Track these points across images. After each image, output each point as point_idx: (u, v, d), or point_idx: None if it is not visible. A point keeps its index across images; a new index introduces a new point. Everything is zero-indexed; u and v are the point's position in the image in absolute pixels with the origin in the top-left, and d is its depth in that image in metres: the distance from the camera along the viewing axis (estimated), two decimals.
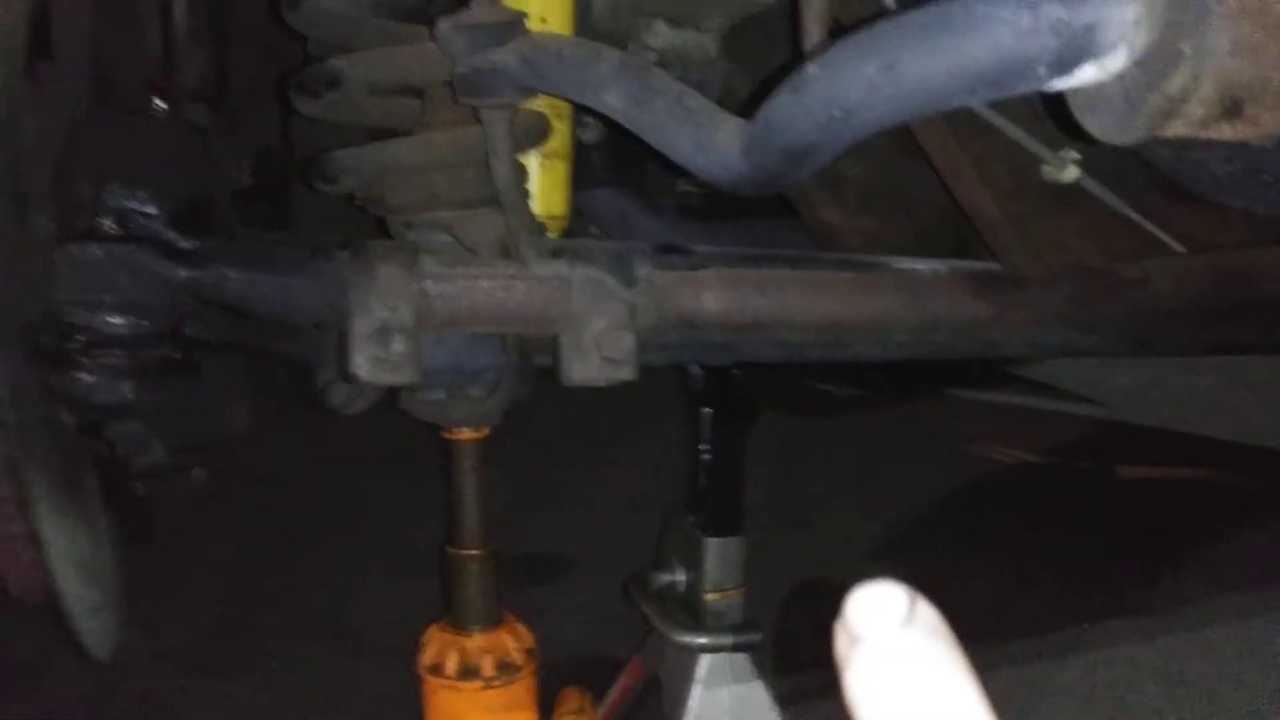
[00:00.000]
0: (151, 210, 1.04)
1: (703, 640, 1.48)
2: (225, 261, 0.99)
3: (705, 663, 1.50)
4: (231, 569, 2.72)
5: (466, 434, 1.39)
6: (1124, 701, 2.04)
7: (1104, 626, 2.27)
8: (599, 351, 1.05)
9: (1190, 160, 1.15)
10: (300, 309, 1.02)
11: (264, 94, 1.63)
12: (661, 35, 1.25)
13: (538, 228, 1.18)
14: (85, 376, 0.96)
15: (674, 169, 1.10)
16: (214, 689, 2.20)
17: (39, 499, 0.99)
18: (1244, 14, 0.51)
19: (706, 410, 1.49)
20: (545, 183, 1.29)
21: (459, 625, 1.45)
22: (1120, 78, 0.55)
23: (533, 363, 1.26)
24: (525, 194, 1.14)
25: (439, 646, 1.45)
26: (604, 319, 1.05)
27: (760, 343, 1.29)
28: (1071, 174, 1.28)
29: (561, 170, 1.33)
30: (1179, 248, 1.34)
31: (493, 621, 1.45)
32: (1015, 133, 1.24)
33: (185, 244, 1.01)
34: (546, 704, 1.53)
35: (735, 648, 1.48)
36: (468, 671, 1.42)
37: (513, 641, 1.46)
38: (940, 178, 1.40)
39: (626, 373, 1.07)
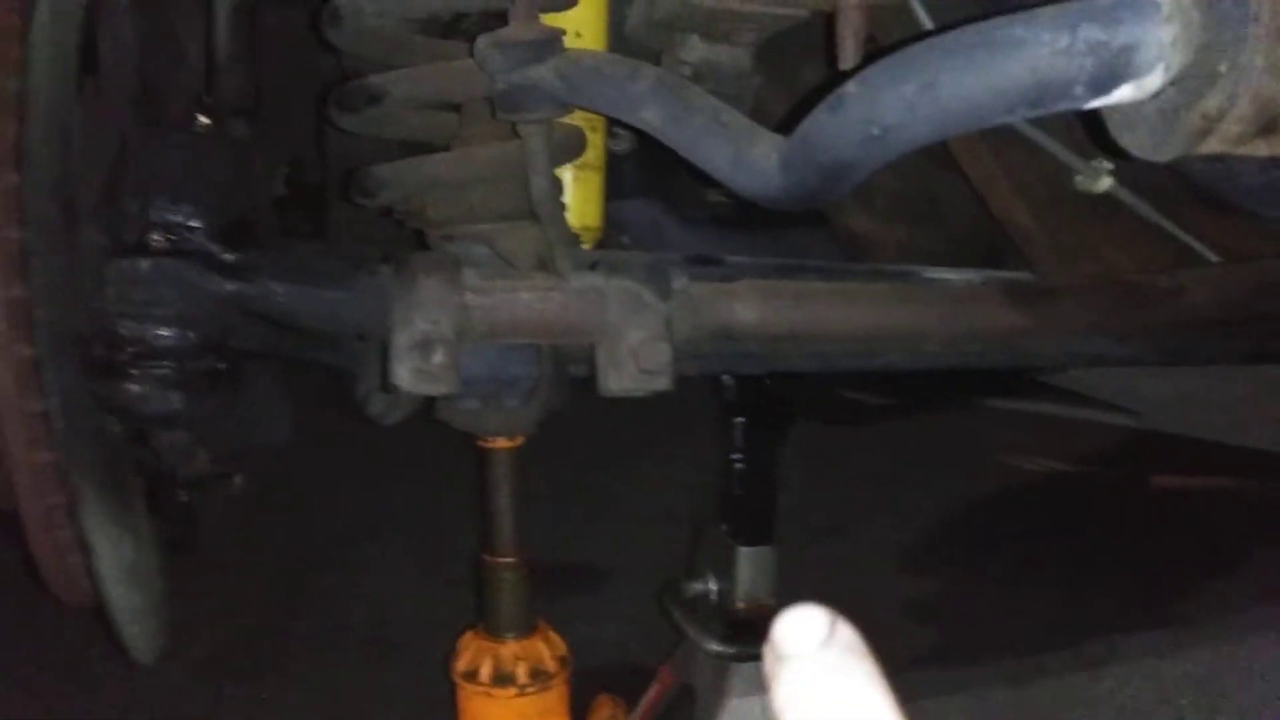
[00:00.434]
0: (197, 224, 1.06)
1: (735, 650, 1.48)
2: (270, 275, 1.02)
3: (738, 672, 1.50)
4: (268, 575, 2.75)
5: (502, 443, 1.40)
6: (1157, 714, 2.03)
7: (1138, 638, 2.25)
8: (635, 363, 1.06)
9: (1224, 171, 1.15)
10: (343, 321, 1.04)
11: (296, 107, 1.66)
12: (695, 49, 1.26)
13: (574, 240, 1.20)
14: (134, 387, 0.98)
15: (708, 181, 1.11)
16: (250, 694, 2.23)
17: (87, 506, 1.01)
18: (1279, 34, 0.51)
19: (739, 419, 1.50)
20: (579, 195, 1.31)
21: (493, 632, 1.46)
22: (1157, 97, 0.55)
23: (568, 373, 1.27)
24: (562, 207, 1.16)
25: (473, 653, 1.46)
26: (640, 331, 1.07)
27: (794, 353, 1.30)
28: (1105, 184, 1.28)
29: (595, 182, 1.35)
30: (1213, 257, 1.34)
31: (527, 629, 1.47)
32: (1048, 143, 1.24)
33: (230, 257, 1.03)
34: (579, 712, 1.54)
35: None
36: (502, 678, 1.44)
37: (546, 649, 1.47)
38: (973, 187, 1.40)
39: (662, 383, 1.08)
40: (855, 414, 3.68)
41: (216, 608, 2.45)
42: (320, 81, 1.52)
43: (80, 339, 0.99)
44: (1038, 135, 1.22)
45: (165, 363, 0.98)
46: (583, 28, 1.23)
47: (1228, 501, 3.13)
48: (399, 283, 1.03)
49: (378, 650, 2.40)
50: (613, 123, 1.41)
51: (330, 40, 1.15)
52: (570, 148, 1.19)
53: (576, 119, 1.20)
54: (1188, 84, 0.53)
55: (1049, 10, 0.55)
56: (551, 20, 1.06)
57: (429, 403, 1.29)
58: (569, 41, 1.06)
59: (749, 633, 1.49)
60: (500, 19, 1.03)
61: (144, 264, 0.98)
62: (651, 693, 1.75)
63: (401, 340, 1.01)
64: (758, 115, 0.87)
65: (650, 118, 0.88)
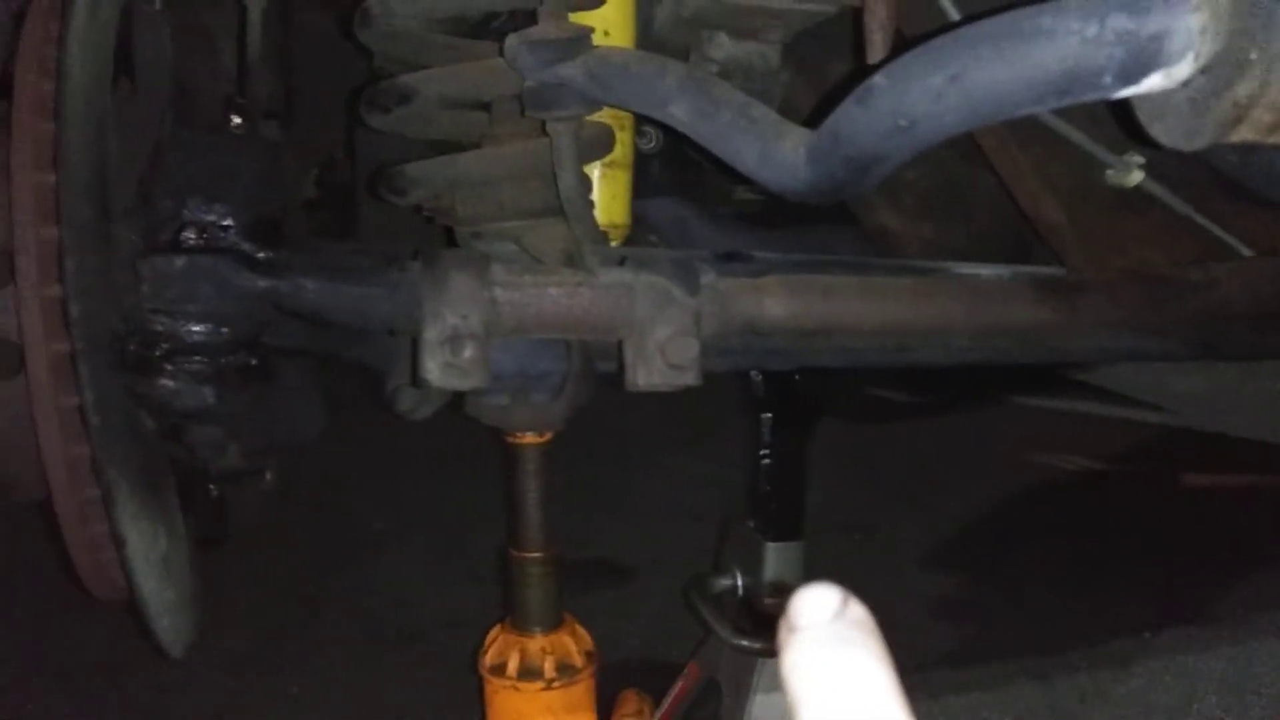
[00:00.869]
0: (229, 223, 1.07)
1: (761, 645, 1.48)
2: (302, 272, 1.03)
3: (764, 668, 1.51)
4: (295, 572, 2.78)
5: (529, 438, 1.41)
6: (1186, 712, 2.02)
7: (1167, 635, 2.24)
8: (663, 358, 1.07)
9: (1255, 163, 1.14)
10: (374, 317, 1.05)
11: (327, 109, 1.68)
12: (723, 47, 1.27)
13: (601, 237, 1.20)
14: (168, 382, 0.99)
15: (736, 177, 1.12)
16: (277, 689, 2.25)
17: (120, 500, 1.02)
18: None
19: (767, 415, 1.50)
20: (607, 192, 1.32)
21: (521, 627, 1.47)
22: (1187, 85, 0.55)
23: (595, 368, 1.28)
24: (590, 204, 1.16)
25: (501, 647, 1.47)
26: (668, 326, 1.07)
27: (822, 348, 1.30)
28: (1135, 177, 1.27)
29: (623, 180, 1.35)
30: (1245, 250, 1.33)
31: (554, 623, 1.47)
32: (1078, 137, 1.24)
33: (262, 255, 1.04)
34: (605, 706, 1.55)
35: None
36: (529, 672, 1.45)
37: (573, 643, 1.48)
38: (1001, 181, 1.40)
39: (690, 378, 1.08)
40: (882, 412, 3.66)
41: (244, 603, 2.48)
42: (350, 84, 1.53)
43: (115, 335, 1.00)
44: (1068, 129, 1.21)
45: (198, 358, 0.99)
46: (611, 26, 1.23)
47: (1258, 499, 3.10)
48: (429, 278, 1.04)
49: (403, 645, 2.42)
50: (640, 121, 1.42)
51: (361, 41, 1.17)
52: (599, 145, 1.20)
53: (605, 117, 1.21)
54: (1218, 72, 0.53)
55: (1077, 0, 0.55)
56: (580, 19, 1.06)
57: (457, 398, 1.30)
58: (597, 40, 1.06)
59: (775, 628, 1.49)
60: (529, 18, 1.04)
61: (178, 261, 1.00)
62: (677, 688, 1.76)
63: (431, 335, 1.02)
64: (785, 112, 0.87)
65: (678, 114, 0.88)
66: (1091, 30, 0.54)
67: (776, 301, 1.12)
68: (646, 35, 1.34)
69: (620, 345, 1.13)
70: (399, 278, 1.05)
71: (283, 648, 2.41)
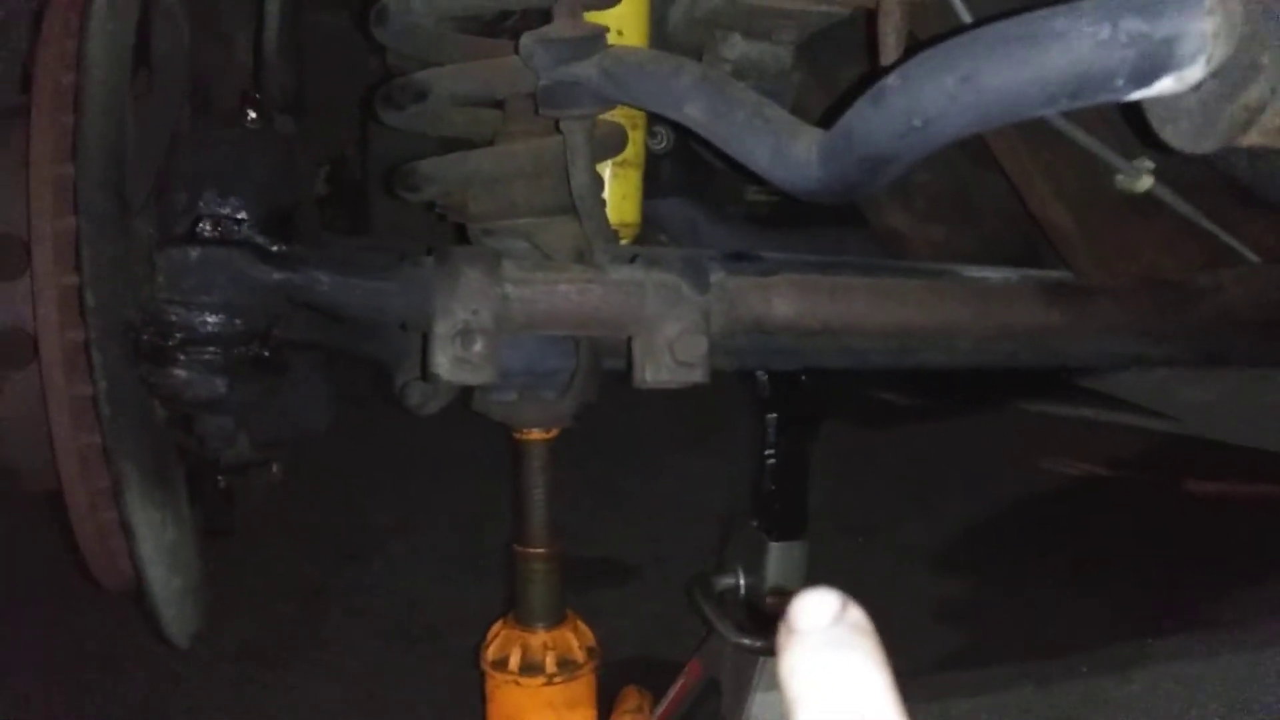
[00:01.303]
0: (244, 216, 1.08)
1: (762, 644, 1.49)
2: (316, 265, 1.03)
3: (765, 666, 1.51)
4: (299, 567, 2.79)
5: (536, 435, 1.42)
6: (1186, 718, 2.02)
7: (1168, 642, 2.24)
8: (672, 355, 1.07)
9: (1265, 169, 1.15)
10: (386, 311, 1.06)
11: (339, 106, 1.69)
12: (737, 47, 1.27)
13: (613, 235, 1.21)
14: (181, 372, 1.00)
15: (748, 177, 1.12)
16: (279, 682, 2.26)
17: (130, 489, 1.03)
18: None
19: (772, 415, 1.50)
20: (618, 191, 1.32)
21: (523, 622, 1.48)
22: (1198, 89, 0.56)
23: (602, 366, 1.29)
24: (602, 202, 1.17)
25: (502, 642, 1.48)
26: (677, 323, 1.08)
27: (829, 348, 1.31)
28: (1145, 183, 1.27)
29: (634, 179, 1.36)
30: (1253, 257, 1.33)
31: (556, 619, 1.48)
32: (1088, 141, 1.24)
33: (277, 248, 1.05)
34: (606, 703, 1.56)
35: None
36: (530, 667, 1.45)
37: (575, 639, 1.49)
38: (1011, 185, 1.40)
39: (698, 375, 1.09)
40: (886, 415, 3.67)
41: (247, 596, 2.48)
42: (362, 82, 1.54)
43: (129, 325, 1.01)
44: (1078, 134, 1.22)
45: (212, 349, 1.00)
46: (624, 25, 1.24)
47: (1262, 507, 3.10)
48: (441, 274, 1.05)
49: (407, 641, 2.43)
50: (652, 121, 1.42)
51: (377, 38, 1.17)
52: (611, 144, 1.21)
53: (617, 116, 1.22)
54: (1229, 76, 0.54)
55: (1090, 2, 0.56)
56: (594, 18, 1.07)
57: (465, 394, 1.31)
58: (610, 39, 1.07)
59: (776, 628, 1.50)
60: (543, 16, 1.05)
61: (194, 252, 1.01)
62: (678, 685, 1.76)
63: (442, 330, 1.03)
64: (797, 114, 0.88)
65: (692, 113, 0.89)
66: (1104, 33, 0.55)
67: (785, 301, 1.13)
68: (659, 35, 1.35)
69: (629, 342, 1.14)
70: (411, 273, 1.06)
71: (285, 642, 2.42)
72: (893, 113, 0.65)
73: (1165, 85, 0.55)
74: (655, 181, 1.49)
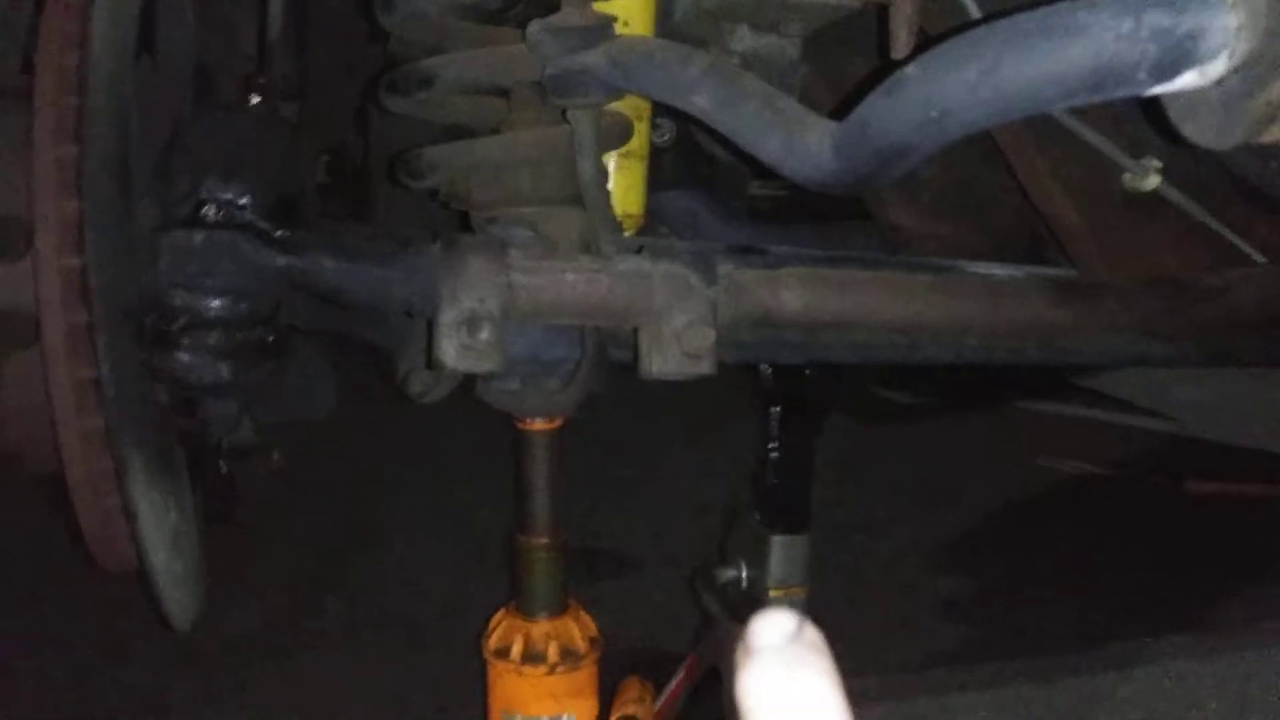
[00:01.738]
0: (246, 202, 1.08)
1: None
2: (320, 251, 1.03)
3: None
4: (300, 557, 2.78)
5: (540, 424, 1.41)
6: (1184, 717, 2.02)
7: (1168, 641, 2.24)
8: (679, 346, 1.07)
9: (1275, 169, 1.14)
10: (391, 298, 1.05)
11: (339, 93, 1.68)
12: (744, 40, 1.27)
13: (618, 226, 1.21)
14: (185, 356, 1.00)
15: (756, 168, 1.11)
16: (282, 671, 2.26)
17: (133, 473, 1.03)
18: None
19: (775, 409, 1.50)
20: (622, 182, 1.32)
21: (525, 611, 1.47)
22: (1220, 84, 0.55)
23: (608, 356, 1.28)
24: (608, 193, 1.17)
25: (505, 631, 1.47)
26: (685, 314, 1.07)
27: (835, 343, 1.31)
28: (1152, 182, 1.27)
29: (638, 171, 1.35)
30: (1260, 258, 1.33)
31: (559, 609, 1.48)
32: (1095, 139, 1.23)
33: (280, 233, 1.05)
34: (607, 694, 1.55)
35: None
36: (532, 657, 1.45)
37: (578, 629, 1.48)
38: (1018, 182, 1.40)
39: (705, 367, 1.08)
40: (887, 413, 3.67)
41: (246, 585, 2.48)
42: (363, 69, 1.54)
43: (132, 309, 1.00)
44: (1086, 131, 1.21)
45: (216, 333, 1.00)
46: (631, 16, 1.23)
47: (1264, 508, 3.10)
48: (446, 261, 1.04)
49: (409, 631, 2.43)
50: (655, 113, 1.42)
51: (381, 24, 1.17)
52: (616, 134, 1.20)
53: (623, 107, 1.21)
54: (1252, 71, 0.53)
55: None
56: (600, 8, 1.07)
57: (468, 382, 1.30)
58: (617, 30, 1.06)
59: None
60: (549, 5, 1.04)
61: (198, 236, 1.00)
62: (679, 676, 1.76)
63: (448, 317, 1.03)
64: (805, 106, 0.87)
65: (701, 103, 0.88)
66: (1126, 26, 0.54)
67: (793, 294, 1.12)
68: (666, 26, 1.34)
69: (635, 333, 1.13)
70: (416, 260, 1.05)
71: (286, 631, 2.42)
72: (910, 103, 0.64)
73: (1187, 80, 0.55)
74: (657, 174, 1.48)
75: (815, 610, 1.53)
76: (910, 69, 0.64)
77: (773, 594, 1.51)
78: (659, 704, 1.65)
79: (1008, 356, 1.42)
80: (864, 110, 0.69)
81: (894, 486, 3.14)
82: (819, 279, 1.15)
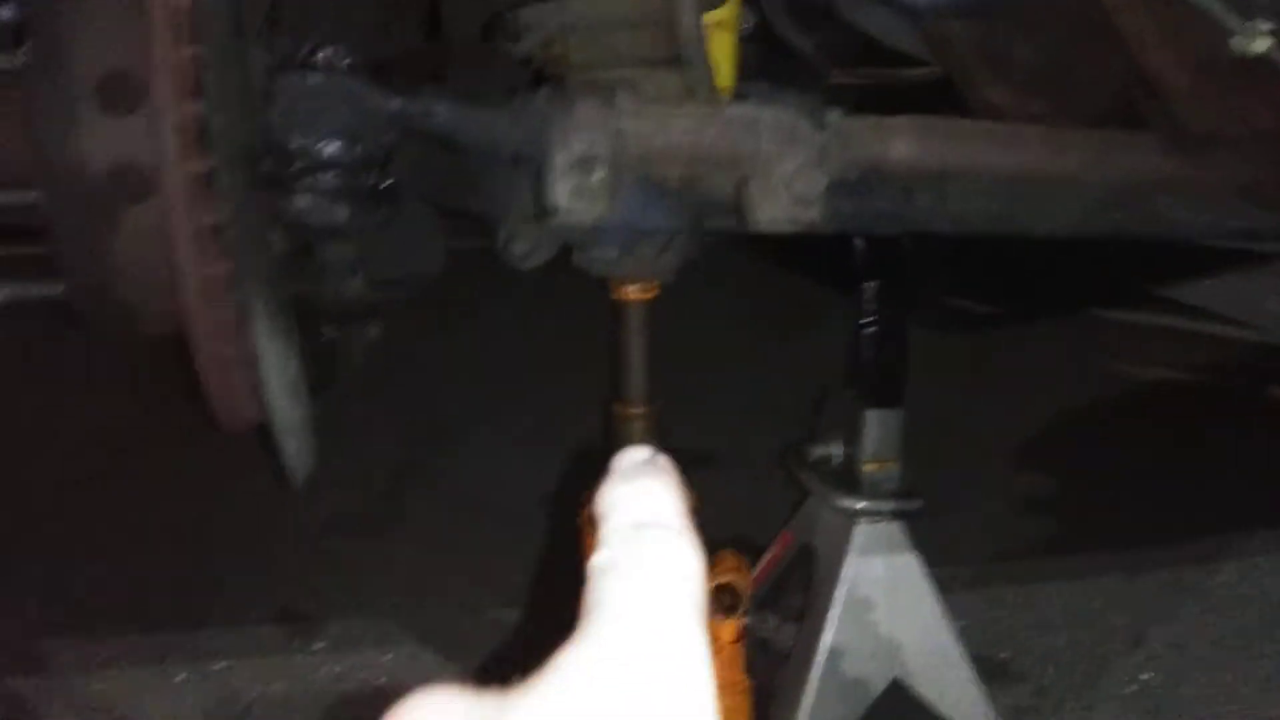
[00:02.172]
0: (349, 63, 1.08)
1: (863, 504, 1.50)
2: (433, 95, 1.03)
3: (860, 531, 1.52)
4: (384, 450, 2.84)
5: (635, 294, 1.42)
6: (1274, 606, 2.00)
7: (1256, 536, 2.22)
8: (788, 192, 1.06)
9: None
10: (502, 142, 1.05)
11: None
12: None
13: (715, 88, 1.20)
14: (303, 199, 1.01)
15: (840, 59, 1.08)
16: (370, 550, 2.32)
17: (256, 318, 1.05)
18: None
19: (870, 283, 1.49)
20: (714, 53, 1.30)
21: None
22: None
23: (704, 223, 1.28)
24: (706, 51, 1.16)
25: None
26: (794, 160, 1.06)
27: (932, 210, 1.29)
28: (1261, 45, 1.23)
29: (729, 42, 1.33)
30: None
31: None
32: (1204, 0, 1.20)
33: (392, 79, 1.05)
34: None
35: (896, 514, 1.50)
36: None
37: None
38: (1118, 51, 1.36)
39: (814, 214, 1.08)
40: (961, 322, 3.63)
41: (333, 474, 2.53)
42: None
43: (250, 153, 1.02)
44: None
45: (332, 175, 1.01)
46: None
47: None
48: (557, 105, 1.04)
49: (489, 520, 2.47)
50: None
51: None
52: None
53: None
54: None
55: None
56: None
57: (564, 252, 1.31)
58: None
59: (874, 493, 1.50)
60: None
61: (313, 78, 1.01)
62: (771, 553, 1.79)
63: (559, 160, 1.03)
64: None
65: None
66: None
67: (903, 142, 1.11)
68: None
69: (740, 188, 1.13)
70: (527, 105, 1.05)
71: (374, 515, 2.48)
72: None
73: None
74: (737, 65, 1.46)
75: (910, 481, 1.54)
76: None
77: (867, 468, 1.52)
78: (755, 573, 1.67)
79: (1108, 229, 1.39)
80: None
81: (971, 389, 3.11)
82: (930, 127, 1.13)
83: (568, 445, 2.71)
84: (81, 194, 1.10)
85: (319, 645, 2.00)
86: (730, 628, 1.46)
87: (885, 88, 1.84)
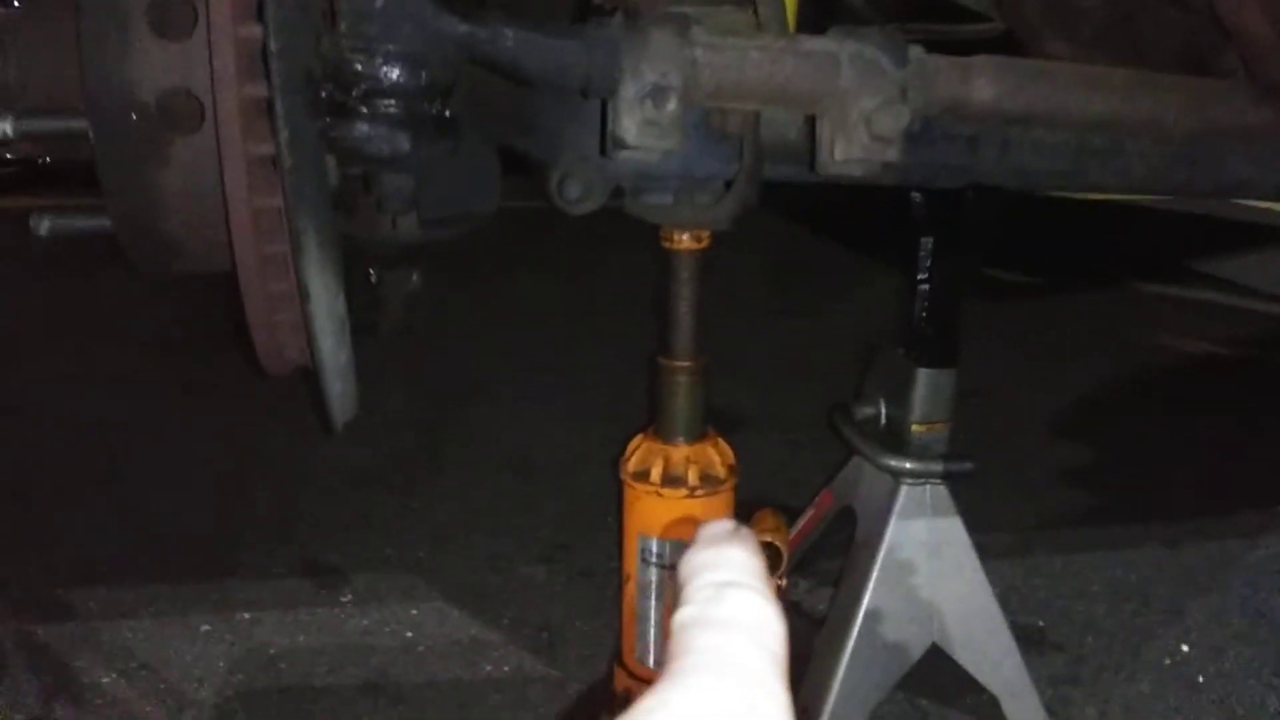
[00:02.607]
0: None
1: (910, 465, 1.46)
2: (501, 20, 0.99)
3: (905, 494, 1.49)
4: (418, 405, 2.84)
5: (687, 244, 1.38)
6: None
7: None
8: (867, 130, 1.02)
9: None
10: (571, 71, 1.00)
11: None
12: None
13: (786, 24, 1.15)
14: (364, 126, 0.97)
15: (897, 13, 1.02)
16: (401, 504, 2.31)
17: (308, 250, 1.01)
18: None
19: (928, 238, 1.45)
20: None
21: (664, 435, 1.46)
22: None
23: (763, 169, 1.24)
24: None
25: (644, 454, 1.47)
26: (874, 97, 1.02)
27: (997, 164, 1.25)
28: None
29: None
30: None
31: (698, 434, 1.46)
32: None
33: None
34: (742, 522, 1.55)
35: (946, 476, 1.46)
36: (672, 480, 1.44)
37: (716, 455, 1.47)
38: (1188, 3, 1.32)
39: (893, 154, 1.03)
40: (997, 290, 3.60)
41: (368, 430, 2.52)
42: None
43: (310, 78, 0.98)
44: None
45: (395, 102, 0.97)
46: None
47: None
48: (630, 34, 1.00)
49: (522, 476, 2.46)
50: None
51: None
52: None
53: None
54: None
55: None
56: None
57: (616, 196, 1.27)
58: None
59: (922, 455, 1.47)
60: None
61: None
62: (809, 514, 1.76)
63: (630, 91, 0.99)
64: None
65: None
66: None
67: (987, 81, 1.06)
68: None
69: (810, 127, 1.09)
70: (597, 32, 1.01)
71: (405, 469, 2.47)
72: None
73: None
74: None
75: (958, 443, 1.50)
76: None
77: (915, 429, 1.48)
78: (791, 535, 1.64)
79: (1175, 187, 1.36)
80: None
81: (1010, 359, 3.07)
82: (1013, 67, 1.08)
83: (598, 402, 2.69)
84: (130, 123, 1.06)
85: (346, 598, 1.98)
86: None
87: (941, 43, 1.80)
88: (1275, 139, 1.20)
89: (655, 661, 1.50)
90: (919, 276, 1.47)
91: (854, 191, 1.26)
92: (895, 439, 1.50)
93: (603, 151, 1.07)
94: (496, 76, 1.07)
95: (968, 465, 1.46)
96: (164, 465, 2.47)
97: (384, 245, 1.22)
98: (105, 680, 1.74)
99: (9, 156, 1.19)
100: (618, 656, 1.59)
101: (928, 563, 1.52)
